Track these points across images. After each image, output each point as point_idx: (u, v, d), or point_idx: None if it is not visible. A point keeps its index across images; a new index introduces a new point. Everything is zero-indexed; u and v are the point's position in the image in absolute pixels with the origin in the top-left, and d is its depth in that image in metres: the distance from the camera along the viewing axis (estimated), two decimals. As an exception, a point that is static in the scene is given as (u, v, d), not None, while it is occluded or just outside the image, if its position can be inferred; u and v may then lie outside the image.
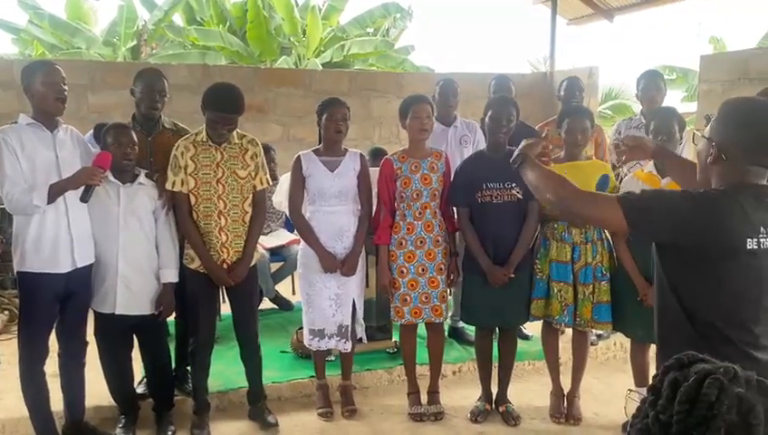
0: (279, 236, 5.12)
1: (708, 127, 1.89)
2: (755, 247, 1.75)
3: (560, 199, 2.00)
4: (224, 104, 3.27)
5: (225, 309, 3.78)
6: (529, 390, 4.11)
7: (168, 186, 3.33)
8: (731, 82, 5.40)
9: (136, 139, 3.27)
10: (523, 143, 2.44)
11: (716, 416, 0.89)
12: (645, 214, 1.82)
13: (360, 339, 3.84)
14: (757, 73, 5.17)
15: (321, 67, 11.96)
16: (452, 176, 3.68)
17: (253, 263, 3.50)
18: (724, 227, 1.75)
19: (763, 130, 1.80)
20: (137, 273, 3.29)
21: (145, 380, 3.71)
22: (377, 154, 4.92)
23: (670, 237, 1.81)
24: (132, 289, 3.28)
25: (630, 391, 1.15)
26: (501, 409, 3.80)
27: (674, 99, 14.38)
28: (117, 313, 3.27)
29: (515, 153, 2.34)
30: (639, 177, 3.52)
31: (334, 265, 3.59)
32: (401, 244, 3.65)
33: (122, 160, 3.21)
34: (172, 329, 3.91)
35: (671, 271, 1.86)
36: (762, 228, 1.76)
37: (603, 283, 3.56)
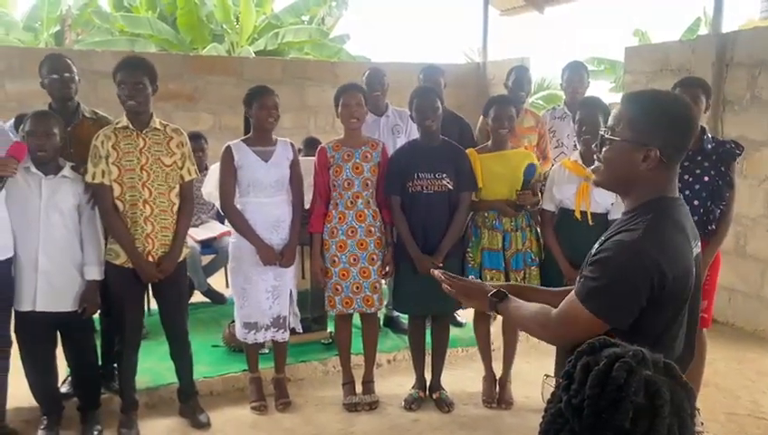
0: (210, 228, 5.02)
1: (622, 128, 1.64)
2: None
3: (542, 339, 1.82)
4: (126, 62, 3.28)
5: (154, 303, 3.68)
6: (462, 376, 4.17)
7: (89, 178, 3.20)
8: (653, 73, 5.59)
9: (56, 129, 3.12)
10: None
11: (624, 398, 0.92)
12: (617, 306, 1.58)
13: (294, 329, 3.81)
14: (677, 65, 5.36)
15: (254, 55, 11.74)
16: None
17: (181, 258, 3.42)
18: (686, 266, 1.62)
19: (687, 124, 1.66)
20: (59, 268, 3.17)
21: (69, 378, 3.58)
22: (311, 144, 4.88)
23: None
24: (54, 285, 3.16)
25: (547, 376, 1.18)
26: (435, 396, 3.84)
27: (602, 89, 14.77)
28: (38, 309, 3.14)
29: (491, 292, 1.86)
30: (566, 165, 3.62)
31: (274, 257, 3.54)
32: (333, 233, 3.63)
33: (36, 152, 3.07)
34: (98, 325, 3.78)
35: None
36: (693, 241, 1.68)
37: (533, 268, 3.66)
